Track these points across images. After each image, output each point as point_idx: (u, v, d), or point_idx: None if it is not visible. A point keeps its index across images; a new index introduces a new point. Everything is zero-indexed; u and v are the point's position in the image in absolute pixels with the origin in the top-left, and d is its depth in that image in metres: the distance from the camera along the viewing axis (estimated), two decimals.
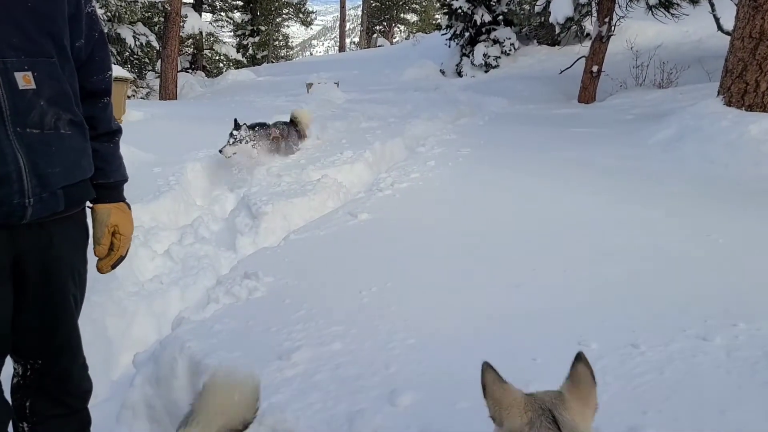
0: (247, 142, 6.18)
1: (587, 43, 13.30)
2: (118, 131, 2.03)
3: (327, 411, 2.16)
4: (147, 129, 8.25)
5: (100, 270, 1.99)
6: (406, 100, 10.47)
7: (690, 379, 2.17)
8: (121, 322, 3.43)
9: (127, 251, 2.01)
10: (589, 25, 12.61)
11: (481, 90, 11.70)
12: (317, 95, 11.58)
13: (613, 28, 10.02)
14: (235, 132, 6.17)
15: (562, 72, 11.75)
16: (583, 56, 10.42)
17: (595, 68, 10.00)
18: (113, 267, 1.99)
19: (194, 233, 4.80)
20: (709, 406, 2.00)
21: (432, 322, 2.76)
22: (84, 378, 2.04)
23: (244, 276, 3.38)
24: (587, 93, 10.12)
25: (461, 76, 15.56)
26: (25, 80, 1.60)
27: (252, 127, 6.41)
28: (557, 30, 12.09)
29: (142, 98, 17.31)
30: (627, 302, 2.83)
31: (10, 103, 1.58)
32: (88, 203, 1.95)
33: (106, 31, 17.49)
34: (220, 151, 6.02)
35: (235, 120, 6.24)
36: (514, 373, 2.30)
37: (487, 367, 1.52)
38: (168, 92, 15.46)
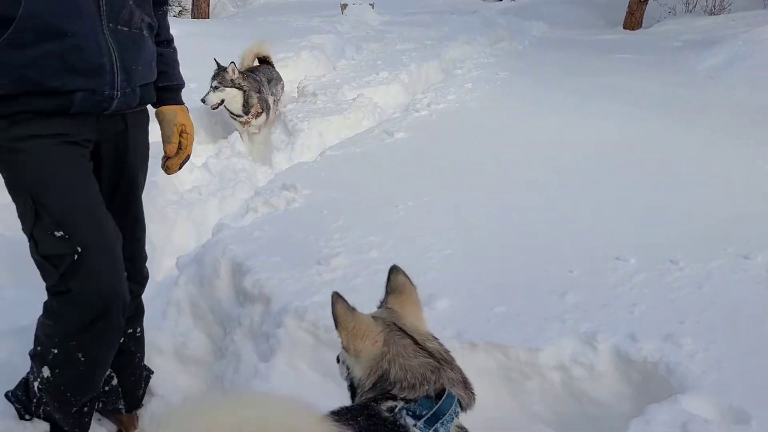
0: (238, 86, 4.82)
1: None
2: (173, 39, 2.13)
3: (364, 310, 2.22)
4: (180, 46, 8.15)
5: (169, 169, 2.05)
6: (443, 23, 10.16)
7: (728, 293, 2.17)
8: (163, 228, 3.53)
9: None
10: None
11: (521, 14, 11.28)
12: (351, 16, 11.30)
13: None
14: (219, 76, 4.82)
15: None
16: None
17: None
18: (180, 167, 2.05)
19: (231, 147, 4.84)
20: (747, 319, 2.01)
21: (468, 236, 2.78)
22: (145, 262, 2.17)
23: (282, 187, 3.42)
24: (633, 19, 9.69)
25: (500, 0, 15.02)
26: None
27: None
28: None
29: (174, 17, 17.09)
30: (668, 222, 2.81)
31: (106, 0, 1.70)
32: (151, 106, 2.04)
33: None
34: (203, 101, 4.75)
35: (215, 60, 4.96)
36: (549, 283, 2.34)
37: (337, 298, 1.47)
38: (200, 11, 15.20)
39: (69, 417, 1.91)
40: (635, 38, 8.72)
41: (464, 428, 1.31)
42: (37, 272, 2.00)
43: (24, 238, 1.85)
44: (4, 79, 1.62)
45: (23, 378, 2.01)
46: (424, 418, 1.20)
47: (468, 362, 1.99)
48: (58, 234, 1.69)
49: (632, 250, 2.50)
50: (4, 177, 1.76)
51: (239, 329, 2.40)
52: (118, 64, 1.74)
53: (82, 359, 1.80)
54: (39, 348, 1.84)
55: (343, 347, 1.42)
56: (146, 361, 2.36)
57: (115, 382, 2.15)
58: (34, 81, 1.63)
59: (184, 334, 2.61)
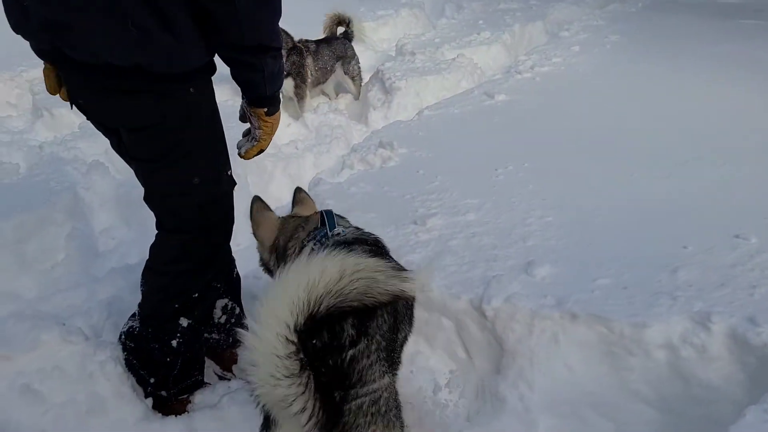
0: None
1: None
2: None
3: (462, 274, 2.18)
4: None
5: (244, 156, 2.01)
6: None
7: None
8: (261, 180, 3.62)
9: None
10: None
11: None
12: None
13: None
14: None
15: None
16: None
17: None
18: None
19: (328, 104, 4.86)
20: None
21: (572, 204, 2.65)
22: None
23: (378, 145, 3.40)
24: None
25: None
26: None
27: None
28: None
29: None
30: None
31: None
32: None
33: None
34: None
35: None
36: (659, 257, 2.20)
37: (256, 199, 2.03)
38: None
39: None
40: (760, 1, 7.94)
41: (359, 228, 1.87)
42: (144, 213, 2.09)
43: (134, 181, 1.93)
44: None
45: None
46: (325, 234, 1.76)
47: (567, 333, 1.93)
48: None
49: (754, 229, 2.30)
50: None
51: None
52: None
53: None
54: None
55: (252, 233, 2.01)
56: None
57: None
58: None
59: None
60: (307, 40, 4.75)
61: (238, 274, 2.32)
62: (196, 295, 1.97)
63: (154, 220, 1.94)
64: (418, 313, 2.11)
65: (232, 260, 2.26)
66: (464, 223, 2.54)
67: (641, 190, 2.76)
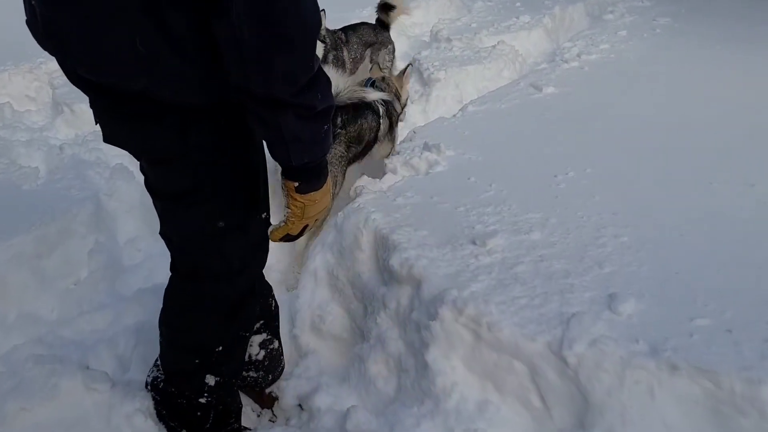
0: None
1: None
2: None
3: (535, 309, 1.91)
4: None
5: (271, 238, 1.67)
6: None
7: None
8: None
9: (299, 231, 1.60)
10: None
11: None
12: None
13: None
14: None
15: None
16: None
17: None
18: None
19: None
20: None
21: (647, 219, 2.36)
22: None
23: (423, 147, 3.11)
24: None
25: None
26: None
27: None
28: None
29: None
30: None
31: None
32: None
33: None
34: None
35: None
36: (765, 291, 1.91)
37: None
38: None
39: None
40: None
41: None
42: None
43: None
44: None
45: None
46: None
47: (665, 387, 1.66)
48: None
49: None
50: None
51: (384, 312, 2.17)
52: None
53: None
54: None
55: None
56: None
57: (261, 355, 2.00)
58: None
59: (321, 306, 2.43)
60: (334, 31, 4.42)
61: (276, 304, 2.08)
62: (220, 348, 1.69)
63: None
64: (488, 354, 1.87)
65: (269, 289, 2.02)
66: (529, 243, 2.26)
67: (724, 202, 2.46)
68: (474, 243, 2.27)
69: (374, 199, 2.69)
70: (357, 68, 4.58)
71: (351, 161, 3.17)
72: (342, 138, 3.00)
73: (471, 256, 2.20)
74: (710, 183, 2.61)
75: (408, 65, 3.76)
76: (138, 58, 1.20)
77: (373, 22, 4.72)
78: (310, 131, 1.31)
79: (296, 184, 1.42)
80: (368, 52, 4.59)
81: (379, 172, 3.26)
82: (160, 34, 1.17)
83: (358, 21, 4.76)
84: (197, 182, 1.43)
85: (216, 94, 1.29)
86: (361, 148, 3.20)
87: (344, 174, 3.12)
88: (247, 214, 1.56)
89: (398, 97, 3.47)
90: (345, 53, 4.25)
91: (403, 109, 3.62)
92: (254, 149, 1.52)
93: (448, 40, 5.20)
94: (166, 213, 1.55)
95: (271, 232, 1.58)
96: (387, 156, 3.28)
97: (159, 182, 1.49)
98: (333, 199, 3.09)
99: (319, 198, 1.47)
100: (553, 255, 2.18)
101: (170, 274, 1.67)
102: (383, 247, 2.35)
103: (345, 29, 4.51)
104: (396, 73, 4.51)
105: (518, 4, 6.46)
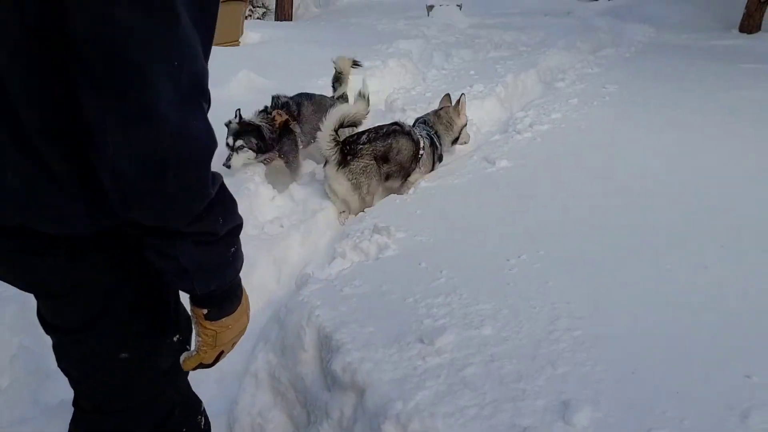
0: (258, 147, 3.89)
1: None
2: None
3: (484, 420, 1.78)
4: (265, 52, 8.00)
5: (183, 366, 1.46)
6: (537, 26, 9.51)
7: None
8: (243, 268, 3.21)
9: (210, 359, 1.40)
10: None
11: (622, 15, 10.43)
12: (438, 19, 10.84)
13: None
14: (235, 131, 3.85)
15: None
16: None
17: None
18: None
19: (316, 172, 4.49)
20: None
21: (601, 309, 2.28)
22: None
23: (373, 230, 3.02)
24: (752, 21, 8.71)
25: (596, 0, 14.11)
26: None
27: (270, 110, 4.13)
28: None
29: (258, 18, 17.16)
30: None
31: None
32: None
33: None
34: (227, 165, 3.84)
35: (237, 111, 3.94)
36: (723, 392, 1.82)
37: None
38: (284, 12, 15.11)
39: None
40: (756, 43, 7.81)
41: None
42: None
43: None
44: None
45: None
46: None
47: None
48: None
49: None
50: None
51: (326, 421, 2.01)
52: None
53: None
54: None
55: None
56: None
57: None
58: None
59: (261, 413, 2.26)
60: (286, 101, 4.34)
61: (207, 421, 1.89)
62: None
63: None
64: None
65: (197, 405, 1.82)
66: (480, 339, 2.15)
67: (681, 288, 2.40)
68: (422, 341, 2.15)
69: (320, 290, 2.57)
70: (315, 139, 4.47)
71: (387, 176, 3.87)
72: (365, 151, 3.73)
73: (419, 357, 2.07)
74: (666, 264, 2.56)
75: (462, 94, 4.47)
76: (12, 194, 1.07)
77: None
78: (215, 256, 1.16)
79: (205, 311, 1.26)
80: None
81: (328, 257, 3.15)
82: (35, 167, 1.04)
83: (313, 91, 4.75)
84: (92, 315, 1.27)
85: (105, 222, 1.15)
86: (394, 168, 3.85)
87: (375, 181, 3.77)
88: (155, 340, 1.40)
89: (450, 126, 4.35)
90: (297, 129, 4.17)
91: (461, 131, 4.43)
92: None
93: (403, 110, 5.21)
94: (60, 348, 1.39)
95: (182, 362, 1.41)
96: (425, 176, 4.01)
97: (50, 315, 1.34)
98: (368, 204, 3.71)
99: (232, 323, 1.30)
100: (504, 353, 2.07)
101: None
102: (327, 347, 2.21)
103: (298, 97, 4.45)
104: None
105: (472, 71, 6.56)
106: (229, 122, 3.88)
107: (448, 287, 2.51)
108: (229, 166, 3.84)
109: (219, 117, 4.80)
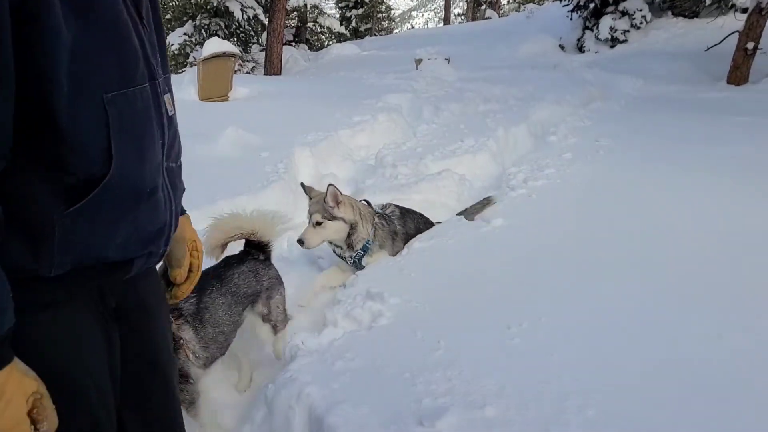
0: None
1: (731, 16, 11.78)
2: None
3: None
4: (254, 108, 7.98)
5: (177, 297, 1.58)
6: (525, 79, 9.58)
7: None
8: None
9: None
10: None
11: (608, 68, 10.55)
12: (427, 72, 10.93)
13: None
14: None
15: (709, 49, 10.36)
16: (736, 31, 9.09)
17: (750, 45, 8.68)
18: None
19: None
20: None
21: (614, 382, 2.13)
22: None
23: (366, 296, 2.87)
24: (739, 73, 8.82)
25: (583, 52, 14.31)
26: (168, 104, 1.31)
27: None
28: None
29: (247, 72, 17.35)
30: None
31: (168, 134, 1.30)
32: None
33: (215, 4, 17.46)
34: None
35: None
36: None
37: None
38: (273, 66, 15.27)
39: None
40: (745, 95, 7.87)
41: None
42: None
43: None
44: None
45: None
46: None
47: None
48: None
49: None
50: None
51: None
52: (173, 212, 1.31)
53: None
54: None
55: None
56: None
57: None
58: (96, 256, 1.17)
59: None
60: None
61: None
62: None
63: None
64: None
65: None
66: (483, 422, 1.98)
67: (694, 357, 2.26)
68: (422, 424, 1.98)
69: (310, 364, 2.40)
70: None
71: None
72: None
73: None
74: (673, 332, 2.43)
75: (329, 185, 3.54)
76: None
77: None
78: None
79: (186, 211, 1.29)
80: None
81: (318, 324, 2.99)
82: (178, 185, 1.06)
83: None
84: None
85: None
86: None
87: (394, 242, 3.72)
88: (89, 419, 1.21)
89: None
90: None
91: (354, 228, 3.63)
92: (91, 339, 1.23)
93: (394, 165, 5.13)
94: None
95: (178, 295, 1.47)
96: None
97: None
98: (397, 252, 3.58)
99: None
100: None
101: None
102: (318, 431, 2.03)
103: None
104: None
105: (462, 126, 6.53)
106: None
107: (447, 360, 2.35)
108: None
109: (208, 173, 4.72)
